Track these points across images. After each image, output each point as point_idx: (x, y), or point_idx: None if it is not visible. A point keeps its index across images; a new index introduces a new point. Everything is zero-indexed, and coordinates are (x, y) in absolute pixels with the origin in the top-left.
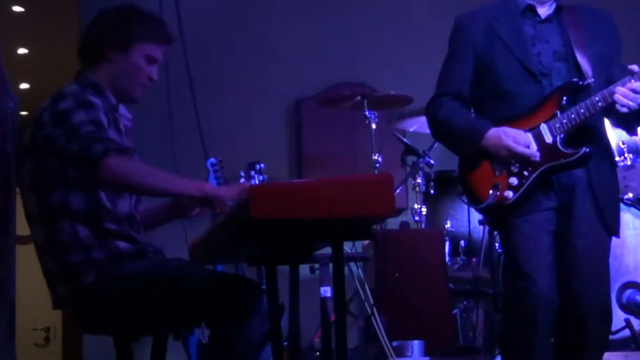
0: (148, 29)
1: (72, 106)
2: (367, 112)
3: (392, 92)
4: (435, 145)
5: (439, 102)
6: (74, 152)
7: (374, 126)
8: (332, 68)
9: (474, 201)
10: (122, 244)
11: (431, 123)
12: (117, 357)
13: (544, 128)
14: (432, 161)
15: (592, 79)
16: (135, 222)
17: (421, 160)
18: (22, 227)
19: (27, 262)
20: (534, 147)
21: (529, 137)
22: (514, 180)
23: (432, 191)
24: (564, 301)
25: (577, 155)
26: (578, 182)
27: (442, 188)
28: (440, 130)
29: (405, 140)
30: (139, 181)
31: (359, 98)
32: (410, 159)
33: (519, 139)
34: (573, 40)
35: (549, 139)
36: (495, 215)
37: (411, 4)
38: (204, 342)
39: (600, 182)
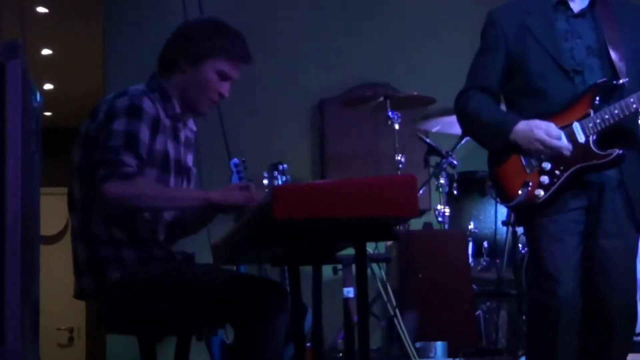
0: (225, 45)
1: (121, 108)
2: (390, 113)
3: (415, 93)
4: (459, 145)
5: (468, 94)
6: (94, 161)
7: (397, 127)
8: (355, 69)
9: (504, 198)
10: (153, 248)
11: (460, 116)
12: (141, 357)
13: (576, 127)
14: (455, 162)
15: (627, 78)
16: (167, 230)
17: (444, 160)
18: (46, 228)
19: (51, 263)
20: (565, 141)
21: (560, 131)
22: (545, 179)
23: (455, 192)
24: (590, 301)
25: (610, 158)
26: (608, 180)
27: (466, 189)
28: (469, 124)
29: (428, 140)
30: (137, 205)
31: (382, 99)
32: (434, 159)
33: (551, 132)
34: (607, 36)
35: (581, 138)
36: (523, 213)
37: (433, 4)
38: (227, 342)
39: (632, 179)
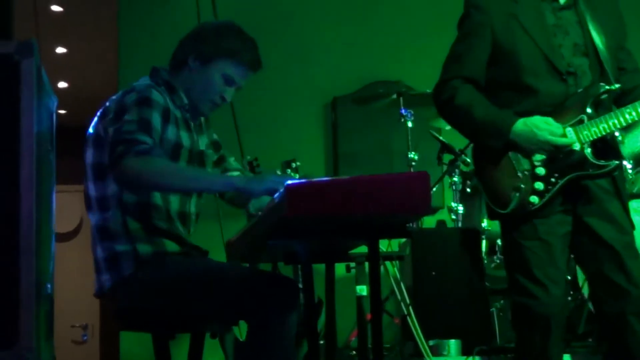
0: (235, 50)
1: (132, 102)
2: (403, 110)
3: (427, 90)
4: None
5: (451, 85)
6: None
7: (410, 124)
8: (368, 66)
9: (496, 203)
10: (169, 243)
11: (445, 108)
12: (155, 354)
13: (569, 132)
14: (468, 159)
15: (619, 84)
16: (187, 220)
17: (458, 158)
18: (61, 225)
19: (66, 260)
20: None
21: (561, 125)
22: (539, 185)
23: (468, 189)
24: (606, 292)
25: (607, 169)
26: (597, 187)
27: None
28: (458, 118)
29: (441, 138)
30: (154, 181)
31: (394, 96)
32: (447, 157)
33: (554, 130)
34: (592, 31)
35: (576, 145)
36: (514, 218)
37: (447, 1)
38: (241, 340)
39: (622, 185)
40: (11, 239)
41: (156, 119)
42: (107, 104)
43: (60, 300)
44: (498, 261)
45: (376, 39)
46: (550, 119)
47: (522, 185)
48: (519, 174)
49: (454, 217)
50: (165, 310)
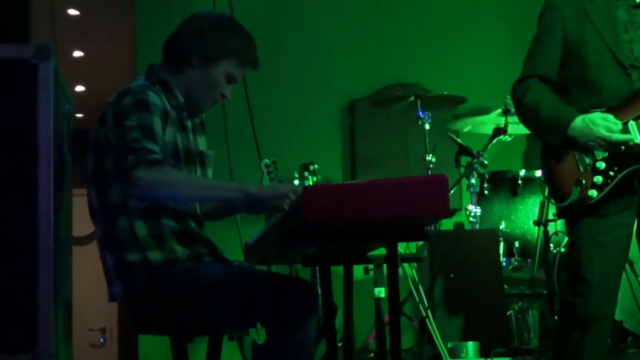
0: (239, 48)
1: (129, 106)
2: (420, 113)
3: (445, 93)
4: (490, 145)
5: (526, 84)
6: (116, 157)
7: (427, 127)
8: (385, 69)
9: (556, 197)
10: (178, 247)
11: (517, 107)
12: (173, 357)
13: (632, 126)
14: (486, 162)
15: None
16: (196, 217)
17: (475, 160)
18: (79, 228)
19: (83, 263)
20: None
21: (619, 122)
22: (599, 179)
23: (486, 192)
24: None
25: None
26: None
27: (497, 188)
28: (526, 116)
29: (459, 140)
30: (168, 192)
31: (412, 99)
32: (465, 159)
33: (611, 127)
34: None
35: (637, 138)
36: (574, 213)
37: (465, 3)
38: (259, 342)
39: None
40: (29, 242)
41: (157, 124)
42: (105, 108)
43: (78, 303)
44: (516, 263)
45: (394, 41)
46: (610, 116)
47: (583, 180)
48: (581, 169)
49: (471, 219)
50: (182, 316)
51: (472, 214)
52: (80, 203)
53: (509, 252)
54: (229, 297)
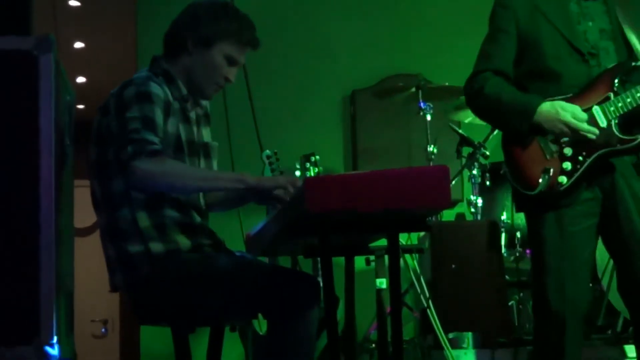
0: (234, 30)
1: (131, 97)
2: (422, 104)
3: (447, 84)
4: (491, 136)
5: (483, 77)
6: (116, 148)
7: (429, 118)
8: (386, 60)
9: (524, 185)
10: (180, 238)
11: (476, 98)
12: (175, 348)
13: (596, 110)
14: (487, 152)
15: None
16: (200, 210)
17: (477, 151)
18: (80, 220)
19: (85, 255)
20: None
21: (586, 114)
22: (567, 165)
23: (487, 182)
24: (632, 281)
25: (634, 142)
26: (622, 166)
27: (498, 179)
28: (488, 105)
29: (460, 131)
30: (167, 182)
31: (414, 89)
32: (466, 150)
33: (577, 115)
34: (621, 18)
35: (602, 122)
36: (540, 203)
37: None
38: (260, 333)
39: None
40: (31, 234)
41: (158, 115)
42: (108, 99)
43: (80, 295)
44: (517, 254)
45: (395, 32)
46: (577, 106)
47: (551, 168)
48: (547, 157)
49: (473, 210)
50: (184, 308)
51: (474, 204)
52: (82, 194)
53: (510, 243)
54: (231, 288)
